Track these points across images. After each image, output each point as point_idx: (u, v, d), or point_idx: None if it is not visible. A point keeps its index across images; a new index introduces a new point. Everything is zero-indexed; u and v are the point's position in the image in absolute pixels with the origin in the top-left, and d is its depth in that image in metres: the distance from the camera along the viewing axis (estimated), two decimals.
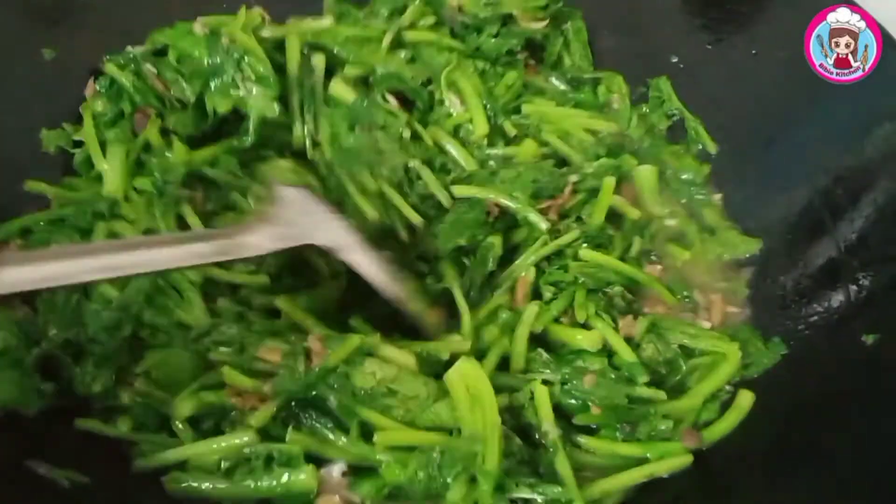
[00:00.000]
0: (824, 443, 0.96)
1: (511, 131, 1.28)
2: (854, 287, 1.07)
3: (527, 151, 1.26)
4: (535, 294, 1.12)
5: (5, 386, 0.90)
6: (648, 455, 0.99)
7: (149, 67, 1.14)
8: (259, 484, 0.89)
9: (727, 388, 1.08)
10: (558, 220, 1.16)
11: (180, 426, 0.93)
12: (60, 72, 1.17)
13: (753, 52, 1.29)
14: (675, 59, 1.37)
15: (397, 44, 1.28)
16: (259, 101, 1.13)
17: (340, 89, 1.21)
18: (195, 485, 0.89)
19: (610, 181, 1.19)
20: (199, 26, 1.16)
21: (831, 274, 1.11)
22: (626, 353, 1.03)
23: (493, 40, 1.28)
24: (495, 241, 1.13)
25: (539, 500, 0.90)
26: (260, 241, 0.91)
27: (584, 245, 1.13)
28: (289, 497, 0.90)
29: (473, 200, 1.15)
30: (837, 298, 1.09)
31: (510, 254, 1.16)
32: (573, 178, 1.19)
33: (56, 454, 0.87)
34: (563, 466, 0.92)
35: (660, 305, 1.16)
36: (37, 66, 1.16)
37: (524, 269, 1.12)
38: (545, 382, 1.00)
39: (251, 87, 1.13)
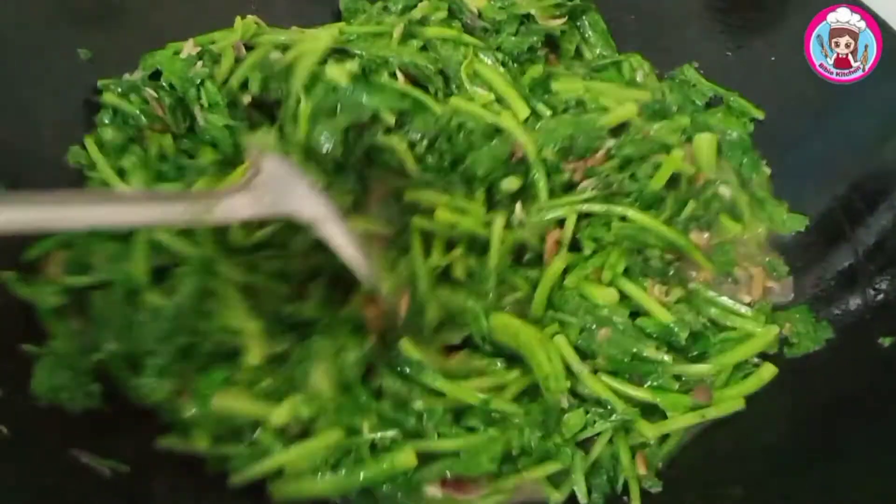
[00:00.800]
0: (838, 443, 0.99)
1: (545, 111, 1.26)
2: (871, 291, 1.09)
3: None
4: (575, 245, 1.16)
5: (54, 381, 0.91)
6: (658, 401, 1.04)
7: (149, 92, 1.17)
8: (366, 472, 0.94)
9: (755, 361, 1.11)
10: (582, 179, 1.18)
11: (266, 433, 0.96)
12: (95, 72, 1.19)
13: (773, 58, 1.29)
14: (696, 65, 1.38)
15: (409, 36, 1.28)
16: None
17: (335, 72, 1.20)
18: (304, 486, 0.94)
19: (711, 139, 1.22)
20: (188, 48, 1.20)
21: (849, 278, 1.14)
22: (657, 313, 1.07)
23: (513, 38, 1.28)
24: (514, 182, 1.17)
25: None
26: (238, 207, 0.89)
27: (637, 204, 1.15)
28: (393, 478, 0.96)
29: (504, 135, 1.19)
30: (855, 302, 1.11)
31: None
32: (610, 143, 1.20)
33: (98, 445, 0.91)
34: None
35: (703, 272, 1.17)
36: (72, 65, 1.17)
37: (556, 215, 1.15)
38: (562, 324, 1.07)
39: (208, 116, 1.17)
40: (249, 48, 1.25)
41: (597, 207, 1.15)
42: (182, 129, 1.19)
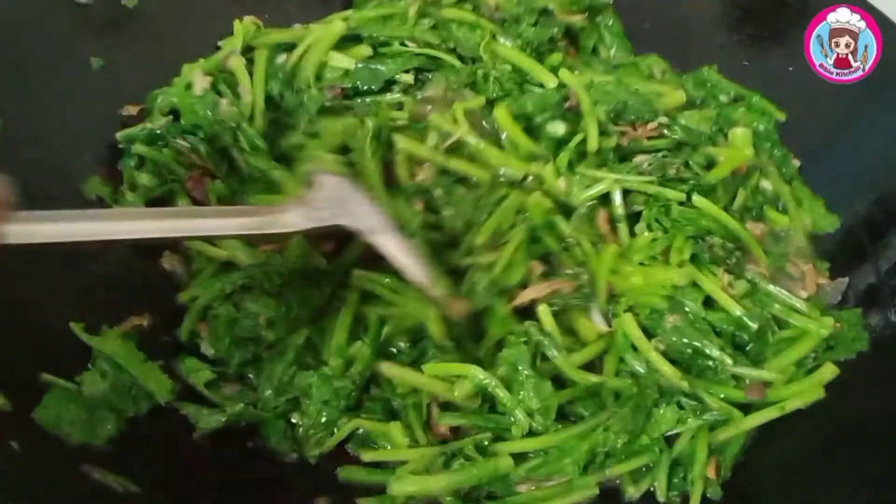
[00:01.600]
0: (860, 464, 0.99)
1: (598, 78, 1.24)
2: (893, 310, 1.10)
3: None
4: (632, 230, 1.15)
5: (63, 413, 0.92)
6: (710, 391, 1.03)
7: (180, 143, 1.15)
8: (476, 472, 0.96)
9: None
10: (628, 145, 1.16)
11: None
12: (107, 81, 1.17)
13: (790, 68, 1.29)
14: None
15: (423, 16, 1.27)
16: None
17: (342, 60, 1.21)
18: (423, 484, 0.95)
19: (746, 133, 1.21)
20: (199, 81, 1.16)
21: (870, 298, 1.14)
22: (727, 304, 1.06)
23: (533, 29, 1.26)
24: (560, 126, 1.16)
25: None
26: (295, 219, 0.95)
27: (696, 193, 1.13)
28: (493, 481, 0.99)
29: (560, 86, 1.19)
30: (874, 319, 1.12)
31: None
32: (663, 119, 1.18)
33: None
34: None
35: (760, 266, 1.15)
36: (85, 74, 1.15)
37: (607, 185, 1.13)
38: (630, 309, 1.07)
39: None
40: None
41: (654, 189, 1.13)
42: (223, 171, 1.17)
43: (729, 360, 1.03)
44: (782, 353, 1.08)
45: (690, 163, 1.16)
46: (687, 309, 1.06)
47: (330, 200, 0.97)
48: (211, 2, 1.28)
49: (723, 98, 1.32)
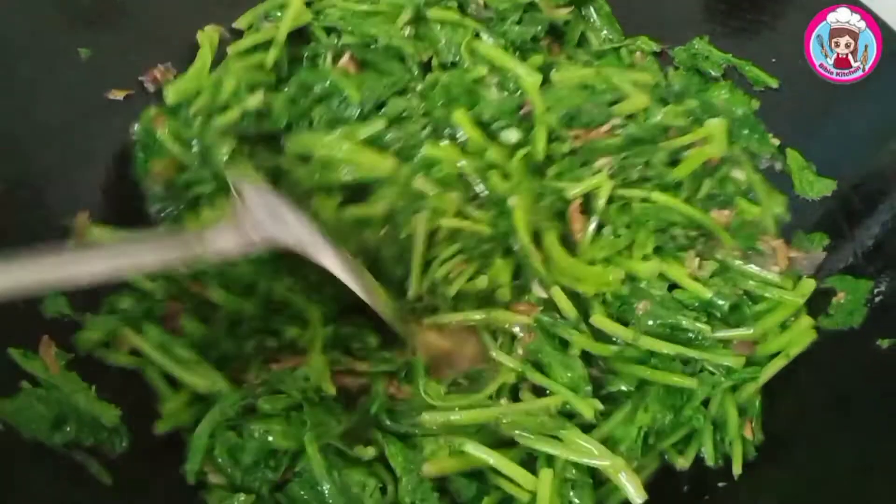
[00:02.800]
0: (829, 443, 1.01)
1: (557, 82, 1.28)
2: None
3: None
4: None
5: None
6: (706, 356, 1.06)
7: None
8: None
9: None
10: (578, 148, 1.19)
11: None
12: (95, 72, 1.17)
13: (773, 58, 1.30)
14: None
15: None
16: None
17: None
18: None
19: (722, 124, 1.23)
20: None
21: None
22: (695, 290, 1.10)
23: (516, 28, 1.28)
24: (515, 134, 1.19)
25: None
26: (226, 242, 0.91)
27: (656, 188, 1.17)
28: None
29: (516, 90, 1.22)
30: None
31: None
32: (616, 120, 1.21)
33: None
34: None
35: (728, 249, 1.18)
36: (72, 64, 1.15)
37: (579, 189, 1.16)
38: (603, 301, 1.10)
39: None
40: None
41: (619, 192, 1.17)
42: None
43: (707, 328, 1.07)
44: (761, 319, 1.12)
45: (652, 161, 1.18)
46: (654, 292, 1.09)
47: (255, 216, 0.92)
48: None
49: (713, 72, 1.33)
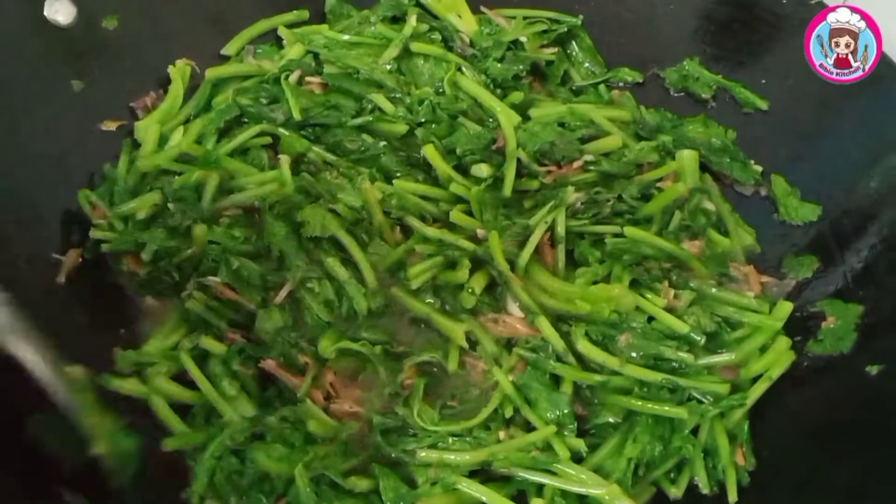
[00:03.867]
0: (820, 471, 1.01)
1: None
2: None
3: None
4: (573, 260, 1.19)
5: None
6: (692, 384, 1.06)
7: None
8: None
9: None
10: (550, 183, 1.21)
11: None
12: (88, 104, 1.18)
13: (773, 58, 1.30)
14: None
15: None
16: None
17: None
18: None
19: (692, 156, 1.24)
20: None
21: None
22: (671, 323, 1.09)
23: (498, 65, 1.30)
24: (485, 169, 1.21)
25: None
26: None
27: (628, 223, 1.19)
28: None
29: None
30: None
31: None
32: (588, 157, 1.23)
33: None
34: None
35: (702, 278, 1.19)
36: (65, 96, 1.16)
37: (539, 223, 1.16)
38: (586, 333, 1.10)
39: None
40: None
41: (590, 228, 1.19)
42: None
43: (689, 356, 1.08)
44: (742, 344, 1.13)
45: (624, 196, 1.20)
46: (634, 325, 1.10)
47: None
48: (190, 22, 1.29)
49: (703, 94, 1.34)
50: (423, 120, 1.24)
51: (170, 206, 1.15)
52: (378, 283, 1.12)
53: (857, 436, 1.01)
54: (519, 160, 1.20)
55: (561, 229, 1.15)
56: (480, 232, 1.14)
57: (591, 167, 1.22)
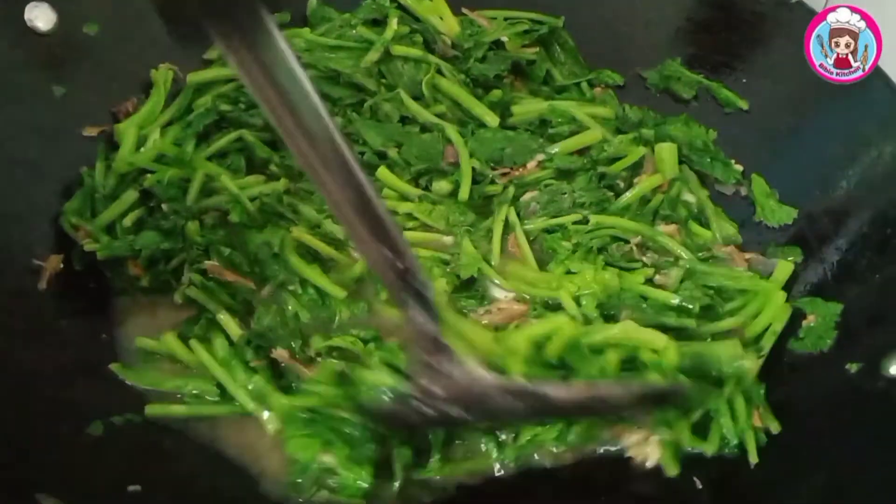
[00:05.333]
0: (799, 471, 1.00)
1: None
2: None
3: None
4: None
5: None
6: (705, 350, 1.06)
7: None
8: None
9: None
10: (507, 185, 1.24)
11: None
12: (69, 109, 1.19)
13: (773, 58, 1.31)
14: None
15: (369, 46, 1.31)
16: None
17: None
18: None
19: (671, 149, 1.26)
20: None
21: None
22: (660, 296, 1.12)
23: (480, 65, 1.32)
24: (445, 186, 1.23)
25: None
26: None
27: (594, 210, 1.21)
28: None
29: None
30: None
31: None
32: (540, 156, 1.25)
33: None
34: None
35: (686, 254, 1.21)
36: (46, 101, 1.17)
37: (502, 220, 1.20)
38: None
39: None
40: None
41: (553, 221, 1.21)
42: None
43: (692, 321, 1.09)
44: (739, 311, 1.14)
45: (590, 186, 1.23)
46: (628, 302, 1.11)
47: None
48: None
49: (685, 94, 1.35)
50: None
51: (164, 206, 1.16)
52: (350, 294, 1.13)
53: (838, 435, 1.01)
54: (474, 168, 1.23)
55: (517, 227, 1.19)
56: (447, 239, 1.17)
57: (547, 164, 1.24)
